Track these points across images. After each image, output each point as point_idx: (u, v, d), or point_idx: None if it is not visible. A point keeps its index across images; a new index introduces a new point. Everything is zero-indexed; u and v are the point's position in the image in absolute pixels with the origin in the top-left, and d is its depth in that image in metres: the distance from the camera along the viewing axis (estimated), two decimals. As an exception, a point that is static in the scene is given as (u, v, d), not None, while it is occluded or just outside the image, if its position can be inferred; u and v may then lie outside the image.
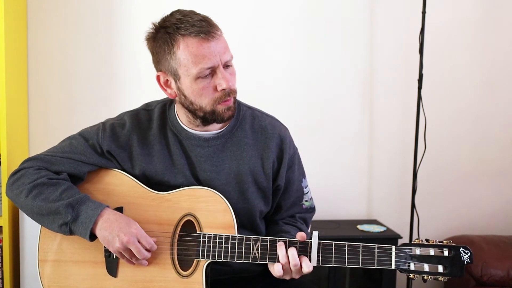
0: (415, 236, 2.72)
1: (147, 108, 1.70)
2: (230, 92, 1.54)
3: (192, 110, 1.57)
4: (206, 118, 1.57)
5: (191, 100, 1.55)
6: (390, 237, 2.58)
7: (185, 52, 1.49)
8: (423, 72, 2.61)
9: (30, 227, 2.21)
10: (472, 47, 2.86)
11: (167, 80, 1.58)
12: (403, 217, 2.83)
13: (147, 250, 1.52)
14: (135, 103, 1.76)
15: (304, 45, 2.76)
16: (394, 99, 2.83)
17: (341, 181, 2.85)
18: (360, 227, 2.67)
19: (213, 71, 1.51)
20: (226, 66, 1.53)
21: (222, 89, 1.51)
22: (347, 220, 2.83)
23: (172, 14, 1.55)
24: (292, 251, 1.49)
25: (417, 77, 2.63)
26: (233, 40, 1.66)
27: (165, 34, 1.52)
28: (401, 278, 2.70)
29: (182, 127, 1.63)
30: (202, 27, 1.48)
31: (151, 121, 1.66)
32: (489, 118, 2.90)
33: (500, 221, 2.93)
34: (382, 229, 2.64)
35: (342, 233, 2.60)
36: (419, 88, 2.63)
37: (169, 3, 2.00)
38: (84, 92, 2.64)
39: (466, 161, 2.91)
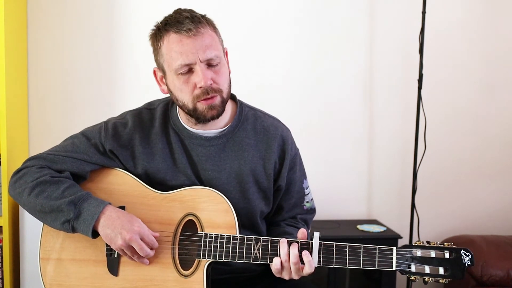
0: (415, 236, 2.72)
1: (149, 107, 1.70)
2: (210, 90, 1.52)
3: (180, 107, 1.59)
4: (192, 115, 1.57)
5: (176, 96, 1.57)
6: (390, 237, 2.58)
7: (167, 47, 1.53)
8: (423, 72, 2.62)
9: (30, 227, 2.21)
10: (472, 47, 2.86)
11: (162, 76, 1.60)
12: (403, 217, 2.83)
13: (149, 248, 1.52)
14: (135, 103, 1.77)
15: (304, 45, 2.76)
16: (394, 99, 2.83)
17: (341, 181, 2.85)
18: (360, 227, 2.67)
19: (192, 68, 1.52)
20: (210, 64, 1.53)
21: (200, 87, 1.51)
22: (347, 220, 2.82)
23: (172, 12, 1.57)
24: (294, 250, 1.49)
25: (417, 77, 2.63)
26: (233, 41, 1.66)
27: (156, 30, 1.56)
28: (401, 279, 2.70)
29: (183, 126, 1.64)
30: (185, 24, 1.50)
31: (153, 120, 1.66)
32: (489, 118, 2.90)
33: (500, 221, 2.94)
34: (382, 229, 2.64)
35: (342, 233, 2.60)
36: (419, 88, 2.63)
37: (169, 3, 2.00)
38: (84, 92, 2.64)
39: (466, 161, 2.91)
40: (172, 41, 1.51)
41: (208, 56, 1.51)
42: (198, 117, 1.57)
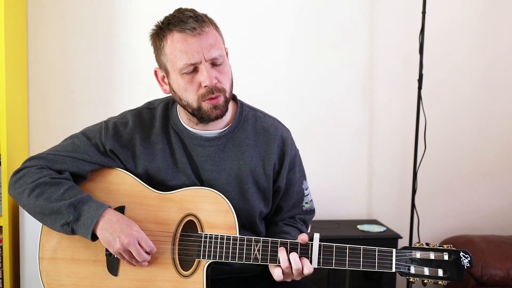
0: (415, 236, 2.72)
1: (149, 107, 1.70)
2: (215, 90, 1.52)
3: (183, 106, 1.58)
4: (195, 115, 1.57)
5: (179, 95, 1.56)
6: (390, 237, 2.58)
7: (171, 47, 1.52)
8: (423, 72, 2.61)
9: (30, 227, 2.20)
10: (472, 47, 2.86)
11: (164, 76, 1.60)
12: (403, 217, 2.83)
13: (146, 253, 1.52)
14: (135, 103, 1.77)
15: (304, 45, 2.76)
16: (394, 99, 2.83)
17: (341, 181, 2.85)
18: (360, 227, 2.67)
19: (197, 67, 1.51)
20: (214, 64, 1.53)
21: (205, 86, 1.51)
22: (347, 220, 2.83)
23: (173, 11, 1.57)
24: (294, 255, 1.49)
25: (417, 77, 2.63)
26: (233, 41, 1.66)
27: (158, 30, 1.55)
28: (400, 279, 2.70)
29: (183, 126, 1.64)
30: (189, 23, 1.50)
31: (153, 120, 1.66)
32: (489, 118, 2.90)
33: (500, 221, 2.94)
34: (382, 229, 2.64)
35: (342, 233, 2.60)
36: (419, 88, 2.63)
37: (168, 3, 2.00)
38: (84, 92, 2.64)
39: (466, 161, 2.91)
40: (176, 40, 1.51)
41: (213, 55, 1.51)
42: (202, 117, 1.56)
